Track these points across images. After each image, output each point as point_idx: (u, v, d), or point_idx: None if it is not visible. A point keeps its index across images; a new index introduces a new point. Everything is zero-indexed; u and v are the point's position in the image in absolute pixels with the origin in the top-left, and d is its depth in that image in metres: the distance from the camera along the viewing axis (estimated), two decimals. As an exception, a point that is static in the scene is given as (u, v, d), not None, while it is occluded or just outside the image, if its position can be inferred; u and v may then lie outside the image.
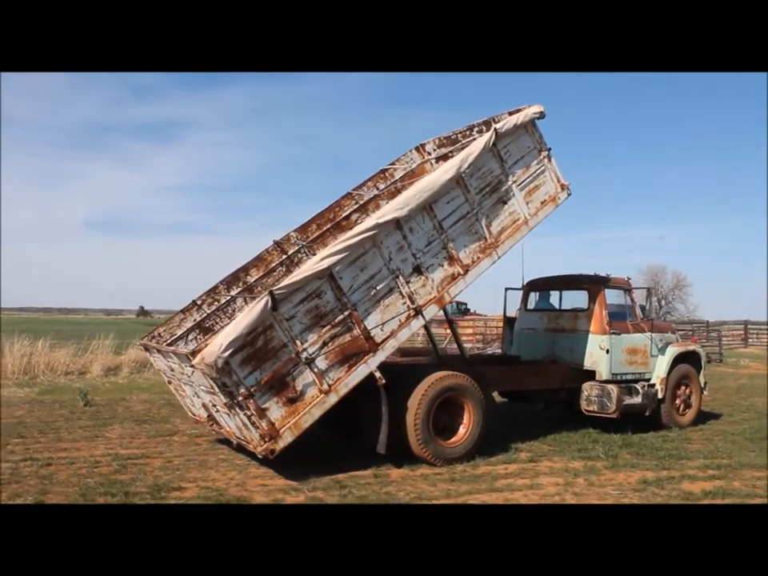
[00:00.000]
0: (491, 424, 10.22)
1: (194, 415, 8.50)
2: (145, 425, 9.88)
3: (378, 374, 7.24)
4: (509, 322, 11.37)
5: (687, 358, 10.61)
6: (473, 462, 7.78)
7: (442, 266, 7.87)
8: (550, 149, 8.72)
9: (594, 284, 9.99)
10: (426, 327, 9.83)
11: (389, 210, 7.59)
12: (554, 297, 10.89)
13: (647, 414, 9.93)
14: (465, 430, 7.95)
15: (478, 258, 8.12)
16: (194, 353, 6.62)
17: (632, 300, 10.22)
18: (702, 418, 10.98)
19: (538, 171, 8.64)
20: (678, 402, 10.37)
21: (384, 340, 7.45)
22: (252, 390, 6.56)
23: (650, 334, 10.11)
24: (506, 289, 11.26)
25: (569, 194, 8.89)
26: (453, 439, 7.89)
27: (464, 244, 8.02)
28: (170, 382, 8.75)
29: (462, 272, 7.96)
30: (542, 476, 7.30)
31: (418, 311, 7.65)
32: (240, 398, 6.53)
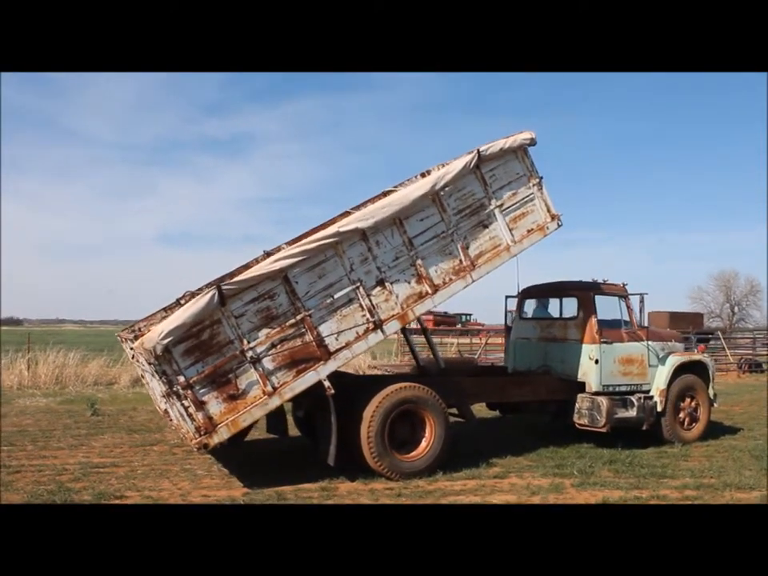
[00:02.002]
0: (479, 437, 10.06)
1: (159, 408, 8.62)
2: (135, 434, 10.12)
3: (327, 384, 7.14)
4: (508, 331, 11.03)
5: (693, 369, 9.94)
6: (433, 477, 7.53)
7: (409, 282, 7.71)
8: (541, 177, 8.49)
9: (583, 291, 9.51)
10: (407, 338, 9.70)
11: (353, 220, 7.52)
12: (549, 305, 10.46)
13: (645, 428, 9.33)
14: (426, 444, 7.71)
15: (451, 279, 7.92)
16: (136, 337, 6.73)
17: (628, 307, 9.68)
18: (714, 432, 10.27)
19: (527, 198, 8.39)
20: (681, 415, 9.70)
21: (338, 350, 7.35)
22: (192, 381, 6.63)
23: (647, 342, 9.55)
24: (507, 297, 10.90)
25: (559, 225, 8.59)
26: (413, 453, 7.66)
27: (436, 263, 7.85)
28: (142, 376, 8.91)
29: (430, 291, 7.78)
30: (498, 494, 6.97)
31: (377, 325, 7.50)
32: (179, 388, 6.60)
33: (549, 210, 8.49)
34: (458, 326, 41.82)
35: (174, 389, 6.60)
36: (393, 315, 7.61)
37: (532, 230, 8.41)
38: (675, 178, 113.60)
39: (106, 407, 12.65)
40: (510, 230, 8.24)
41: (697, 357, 10.06)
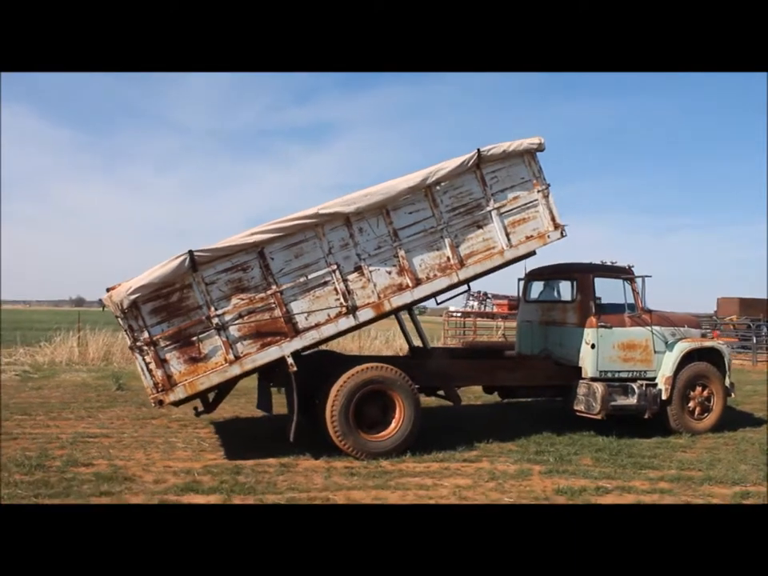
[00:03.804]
0: (481, 420, 9.85)
1: None
2: (144, 408, 10.49)
3: (290, 360, 7.20)
4: None
5: (707, 357, 9.29)
6: (400, 458, 7.44)
7: (390, 273, 7.62)
8: (548, 184, 8.12)
9: (582, 273, 9.07)
10: (400, 321, 9.53)
11: (335, 203, 7.51)
12: (553, 287, 10.04)
13: (647, 416, 8.83)
14: (395, 424, 7.62)
15: (435, 275, 7.77)
16: (108, 290, 7.03)
17: (633, 290, 9.14)
18: (734, 424, 9.65)
19: (529, 204, 8.08)
20: (691, 404, 9.10)
21: (306, 329, 7.39)
22: (155, 338, 6.91)
23: (652, 327, 9.00)
24: (519, 279, 10.57)
25: (563, 236, 8.19)
26: (381, 433, 7.60)
27: (421, 258, 7.72)
28: None
29: (411, 284, 7.66)
30: (455, 477, 6.81)
31: (350, 311, 7.46)
32: (142, 344, 6.88)
33: (553, 219, 8.12)
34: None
35: (138, 344, 6.89)
36: (368, 303, 7.55)
37: (531, 236, 8.09)
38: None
39: (135, 382, 13.24)
40: (507, 234, 7.97)
41: (709, 343, 9.37)
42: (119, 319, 6.93)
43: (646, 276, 8.97)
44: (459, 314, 28.75)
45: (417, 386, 8.69)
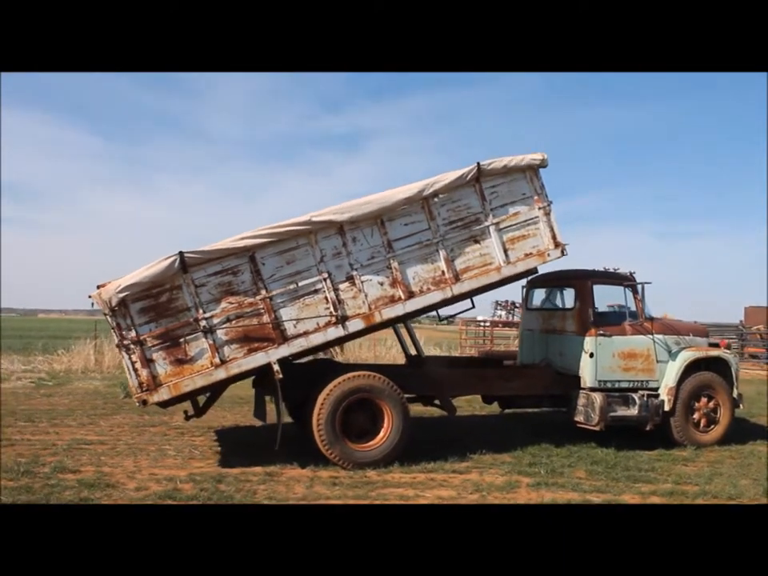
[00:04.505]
0: (481, 431, 9.67)
1: None
2: (146, 415, 10.55)
3: (276, 367, 7.15)
4: None
5: (714, 367, 8.99)
6: (388, 468, 7.33)
7: (382, 284, 7.55)
8: (550, 202, 7.97)
9: (580, 280, 8.87)
10: (396, 331, 9.42)
11: (328, 211, 7.50)
12: (555, 294, 9.84)
13: (648, 428, 8.57)
14: (383, 434, 7.52)
15: (429, 288, 7.66)
16: (98, 287, 7.10)
17: (635, 297, 8.90)
18: (742, 436, 9.30)
19: (529, 221, 7.93)
20: (696, 416, 8.80)
21: (294, 336, 7.35)
22: (142, 338, 6.94)
23: (654, 336, 8.74)
24: (522, 287, 10.41)
25: (563, 254, 8.02)
26: (369, 443, 7.51)
27: (415, 271, 7.63)
28: None
29: (403, 297, 7.56)
30: (440, 488, 6.68)
31: (340, 320, 7.40)
32: (129, 342, 6.91)
33: (554, 237, 7.94)
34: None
35: (125, 342, 6.93)
36: (358, 314, 7.48)
37: (531, 254, 7.93)
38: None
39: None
40: (505, 250, 7.83)
41: (715, 352, 9.05)
42: (107, 317, 6.98)
43: (646, 283, 8.75)
44: (486, 323, 28.50)
45: (412, 395, 8.64)
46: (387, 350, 21.14)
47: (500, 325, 31.55)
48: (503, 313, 58.32)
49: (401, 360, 20.66)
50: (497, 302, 56.30)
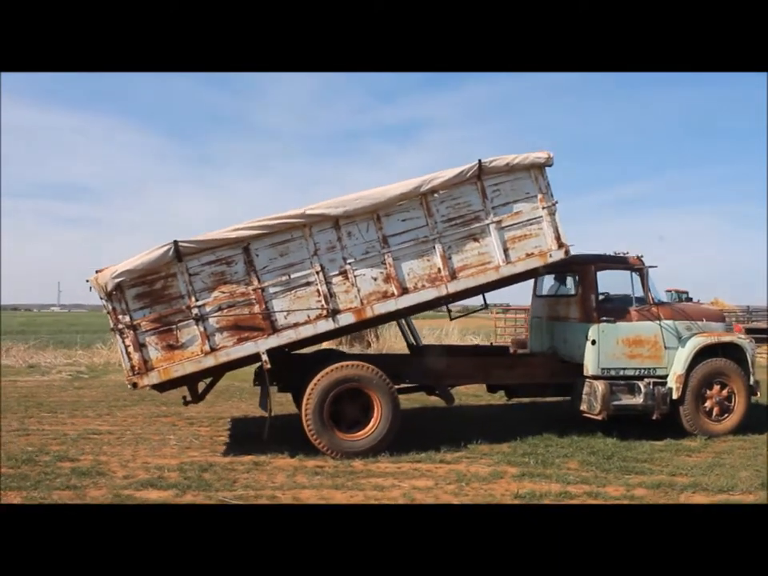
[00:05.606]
0: (487, 420, 9.52)
1: None
2: (163, 407, 10.85)
3: (264, 357, 7.24)
4: None
5: (728, 353, 8.57)
6: (376, 457, 7.32)
7: (375, 280, 7.53)
8: (556, 201, 7.78)
9: (583, 265, 8.59)
10: (398, 322, 9.36)
11: (323, 205, 7.53)
12: (561, 281, 9.56)
13: (655, 417, 8.26)
14: (373, 423, 7.51)
15: (423, 285, 7.60)
16: (96, 272, 7.33)
17: (642, 282, 8.57)
18: (762, 425, 8.79)
19: (532, 220, 7.78)
20: (707, 404, 8.43)
21: (284, 328, 7.42)
22: (136, 323, 7.16)
23: (662, 322, 8.40)
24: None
25: (567, 255, 7.84)
26: (358, 433, 7.51)
27: (410, 267, 7.58)
28: None
29: (396, 293, 7.53)
30: (420, 478, 6.62)
31: (330, 314, 7.42)
32: (123, 326, 7.13)
33: (558, 238, 7.75)
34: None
35: (119, 326, 7.14)
36: (350, 308, 7.48)
37: (532, 254, 7.76)
38: None
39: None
40: (505, 250, 7.68)
41: (728, 338, 8.62)
42: (104, 301, 7.21)
43: (651, 267, 8.40)
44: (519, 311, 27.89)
45: (411, 385, 8.60)
46: (423, 339, 21.02)
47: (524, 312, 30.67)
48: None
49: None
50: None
